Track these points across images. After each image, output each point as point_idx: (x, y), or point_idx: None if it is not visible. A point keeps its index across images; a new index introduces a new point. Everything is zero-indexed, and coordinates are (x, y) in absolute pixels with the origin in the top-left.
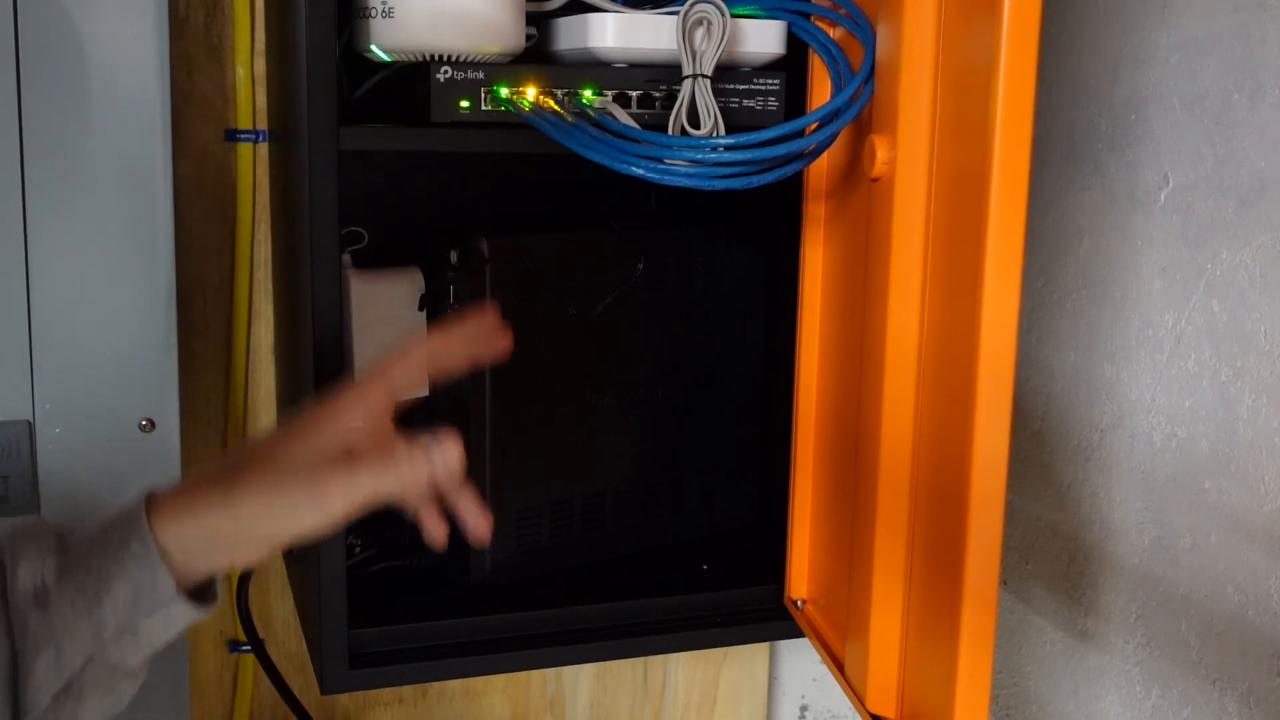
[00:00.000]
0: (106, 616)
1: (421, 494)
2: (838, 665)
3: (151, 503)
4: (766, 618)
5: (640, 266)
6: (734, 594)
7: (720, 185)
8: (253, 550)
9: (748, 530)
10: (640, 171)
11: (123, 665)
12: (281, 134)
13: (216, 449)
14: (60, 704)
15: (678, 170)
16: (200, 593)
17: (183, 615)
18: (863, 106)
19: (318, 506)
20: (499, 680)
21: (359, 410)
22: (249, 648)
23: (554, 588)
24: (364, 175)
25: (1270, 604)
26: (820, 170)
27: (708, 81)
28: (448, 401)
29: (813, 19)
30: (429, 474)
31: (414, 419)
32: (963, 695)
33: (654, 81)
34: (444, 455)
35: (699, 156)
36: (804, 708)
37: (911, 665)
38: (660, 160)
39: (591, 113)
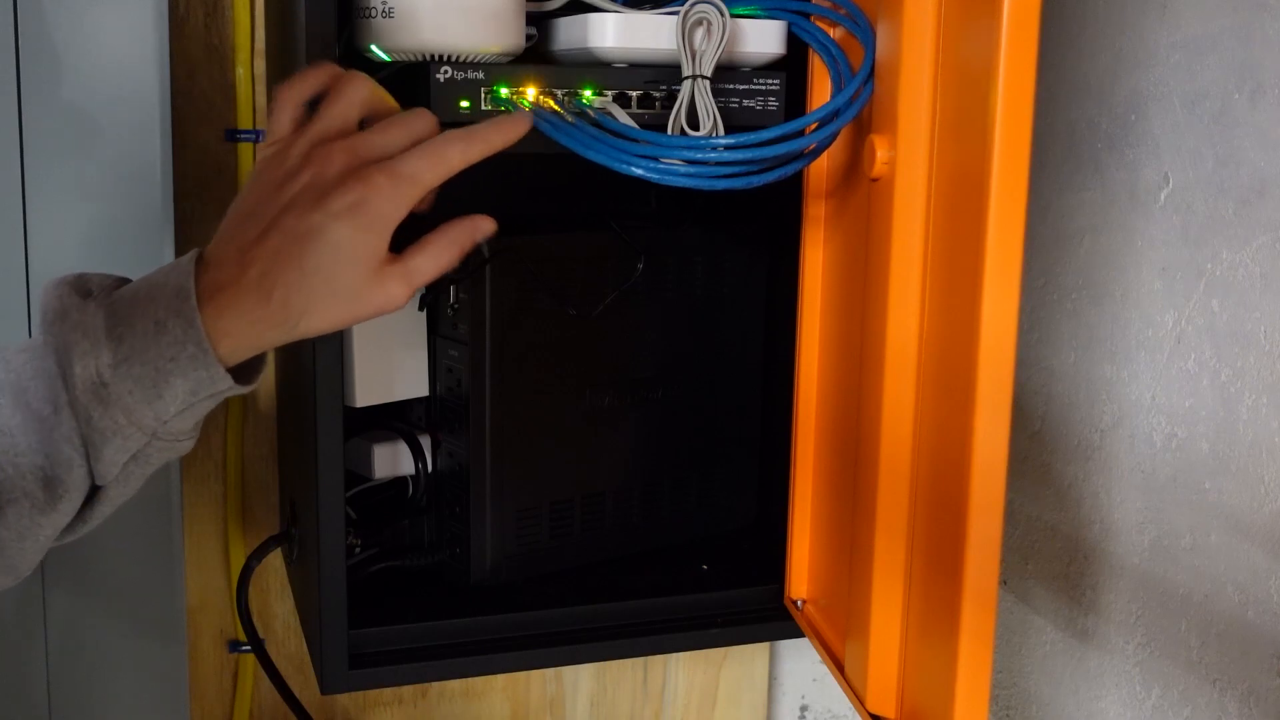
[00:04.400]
0: (166, 405)
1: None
2: (838, 665)
3: (201, 297)
4: (766, 618)
5: (640, 266)
6: (734, 594)
7: (720, 185)
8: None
9: (748, 530)
10: (640, 172)
11: (180, 433)
12: None
13: (216, 449)
14: (128, 469)
15: (677, 170)
16: (248, 369)
17: (233, 392)
18: (863, 106)
19: (383, 308)
20: (499, 680)
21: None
22: (249, 648)
23: (554, 588)
24: None
25: (1270, 604)
26: (820, 170)
27: (707, 82)
28: (448, 401)
29: (812, 19)
30: (471, 247)
31: (413, 418)
32: (963, 695)
33: (654, 82)
34: (481, 229)
35: (699, 156)
36: (804, 708)
37: (912, 665)
38: (660, 160)
39: (591, 113)
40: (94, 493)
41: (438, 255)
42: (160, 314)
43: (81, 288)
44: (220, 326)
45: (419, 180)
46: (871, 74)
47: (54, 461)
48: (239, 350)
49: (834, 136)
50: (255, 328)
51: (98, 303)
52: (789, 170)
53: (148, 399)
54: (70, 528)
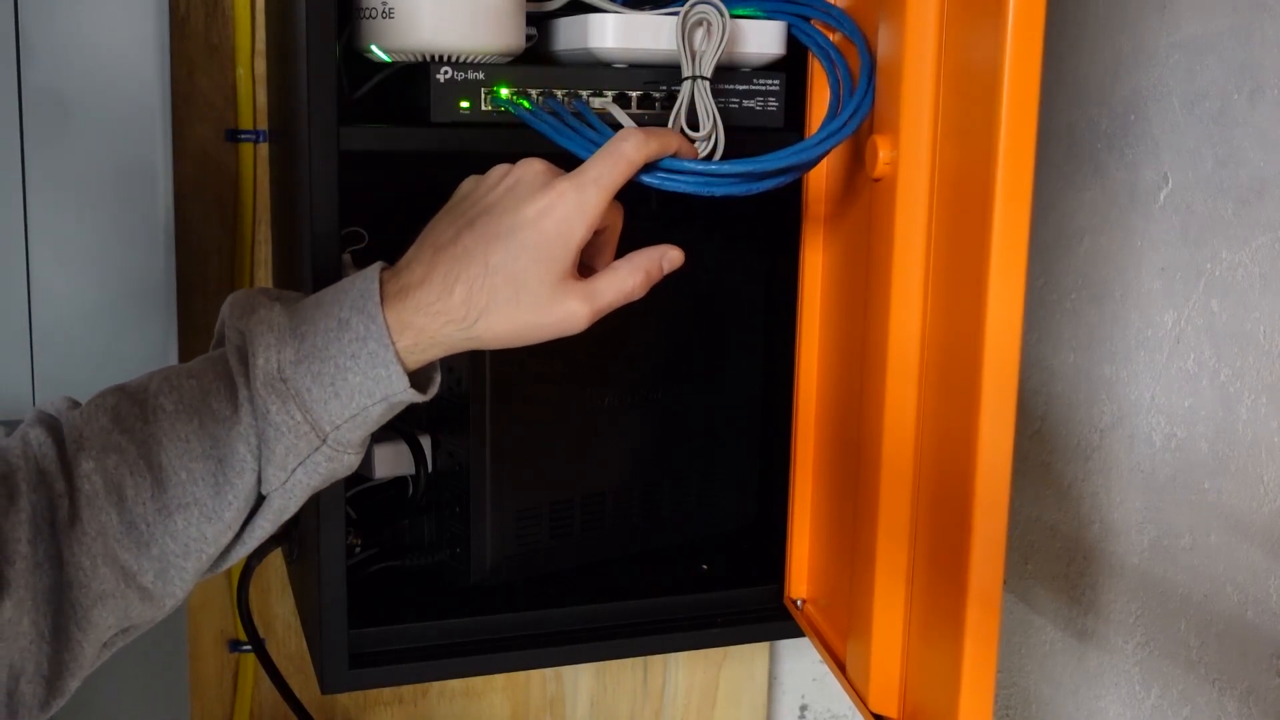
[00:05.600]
0: (343, 405)
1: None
2: (839, 665)
3: (386, 297)
4: (766, 618)
5: None
6: (734, 594)
7: (720, 192)
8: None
9: (748, 530)
10: (642, 177)
11: (349, 443)
12: (281, 134)
13: None
14: (294, 478)
15: (677, 177)
16: (422, 380)
17: (409, 400)
18: (861, 121)
19: (563, 325)
20: (499, 680)
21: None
22: (249, 648)
23: (554, 588)
24: (364, 175)
25: (1270, 604)
26: (821, 171)
27: (707, 83)
28: (448, 401)
29: (812, 21)
30: (659, 276)
31: (413, 418)
32: (967, 695)
33: (654, 82)
34: (670, 259)
35: (699, 167)
36: (804, 708)
37: (914, 665)
38: (660, 167)
39: (591, 114)
40: (256, 506)
41: (622, 280)
42: (344, 313)
43: (270, 292)
44: (401, 319)
45: (601, 182)
46: (869, 90)
47: (227, 465)
48: (418, 347)
49: (831, 148)
50: (434, 321)
51: (284, 304)
52: (788, 178)
53: (324, 397)
54: (225, 553)
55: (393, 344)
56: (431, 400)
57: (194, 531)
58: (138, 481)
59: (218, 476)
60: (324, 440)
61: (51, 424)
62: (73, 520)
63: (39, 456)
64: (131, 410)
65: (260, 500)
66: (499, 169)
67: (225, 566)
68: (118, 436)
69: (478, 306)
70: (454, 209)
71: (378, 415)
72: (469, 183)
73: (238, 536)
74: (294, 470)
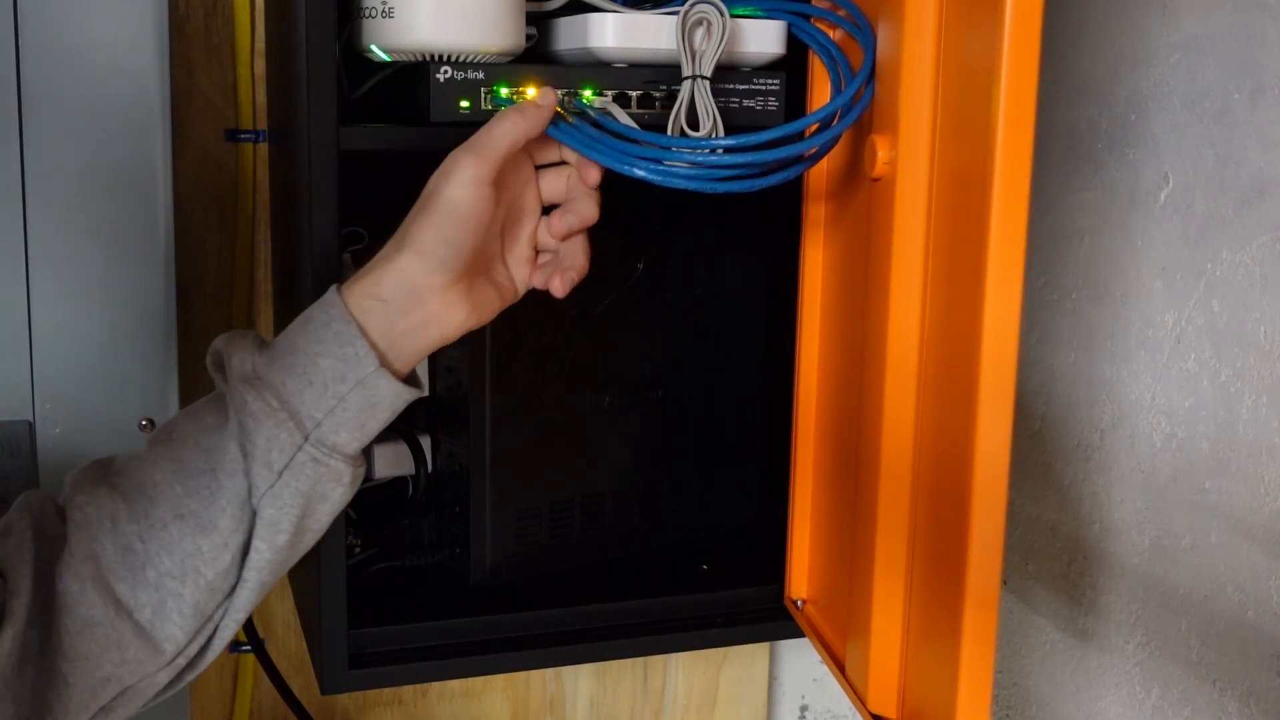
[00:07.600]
0: (318, 394)
1: None
2: (838, 665)
3: (345, 293)
4: (766, 618)
5: (640, 266)
6: (734, 594)
7: (721, 188)
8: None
9: (748, 530)
10: (641, 173)
11: (339, 447)
12: (281, 134)
13: None
14: (285, 483)
15: (679, 172)
16: (406, 379)
17: (389, 393)
18: (864, 109)
19: (512, 297)
20: (499, 680)
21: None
22: (249, 648)
23: (554, 588)
24: (364, 175)
25: (1270, 604)
26: (820, 170)
27: (707, 82)
28: (448, 401)
29: (812, 20)
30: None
31: (413, 418)
32: (965, 695)
33: (654, 82)
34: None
35: (700, 159)
36: (804, 708)
37: (913, 665)
38: (661, 162)
39: (591, 113)
40: (251, 528)
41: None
42: (308, 313)
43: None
44: (356, 290)
45: (504, 120)
46: (872, 75)
47: (220, 471)
48: (377, 294)
49: (835, 139)
50: (380, 261)
51: (255, 332)
52: (791, 173)
53: (299, 387)
54: (229, 594)
55: (354, 319)
56: (432, 400)
57: (189, 544)
58: (131, 504)
59: (211, 486)
60: (306, 437)
61: (43, 495)
62: (65, 550)
63: (38, 509)
64: (123, 457)
65: (253, 518)
66: None
67: (231, 619)
68: (111, 476)
69: (408, 222)
70: None
71: (360, 411)
72: None
73: (239, 576)
74: (281, 472)
